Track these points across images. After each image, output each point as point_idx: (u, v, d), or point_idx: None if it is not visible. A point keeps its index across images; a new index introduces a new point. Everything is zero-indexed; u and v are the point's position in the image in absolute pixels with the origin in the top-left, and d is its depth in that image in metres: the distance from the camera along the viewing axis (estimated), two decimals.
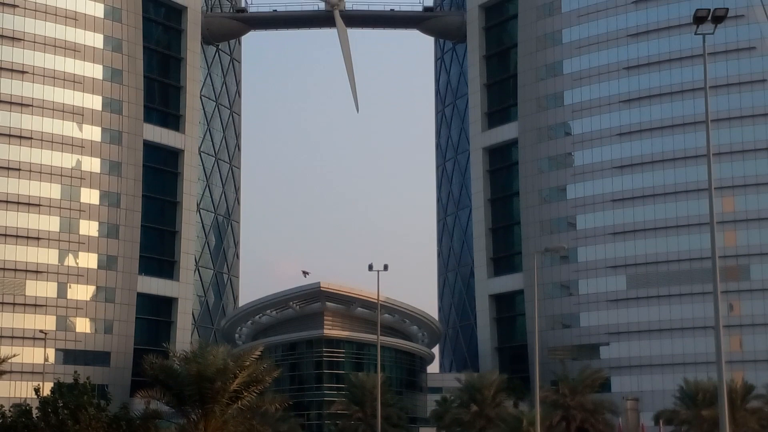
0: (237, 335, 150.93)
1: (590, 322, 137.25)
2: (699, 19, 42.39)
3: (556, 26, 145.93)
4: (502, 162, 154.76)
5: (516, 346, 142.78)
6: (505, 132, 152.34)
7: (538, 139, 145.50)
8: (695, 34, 43.15)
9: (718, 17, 42.16)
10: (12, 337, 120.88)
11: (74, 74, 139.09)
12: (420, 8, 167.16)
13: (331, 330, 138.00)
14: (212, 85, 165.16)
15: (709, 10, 41.64)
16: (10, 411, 65.05)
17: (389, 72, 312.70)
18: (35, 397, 71.68)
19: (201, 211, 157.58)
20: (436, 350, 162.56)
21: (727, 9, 43.02)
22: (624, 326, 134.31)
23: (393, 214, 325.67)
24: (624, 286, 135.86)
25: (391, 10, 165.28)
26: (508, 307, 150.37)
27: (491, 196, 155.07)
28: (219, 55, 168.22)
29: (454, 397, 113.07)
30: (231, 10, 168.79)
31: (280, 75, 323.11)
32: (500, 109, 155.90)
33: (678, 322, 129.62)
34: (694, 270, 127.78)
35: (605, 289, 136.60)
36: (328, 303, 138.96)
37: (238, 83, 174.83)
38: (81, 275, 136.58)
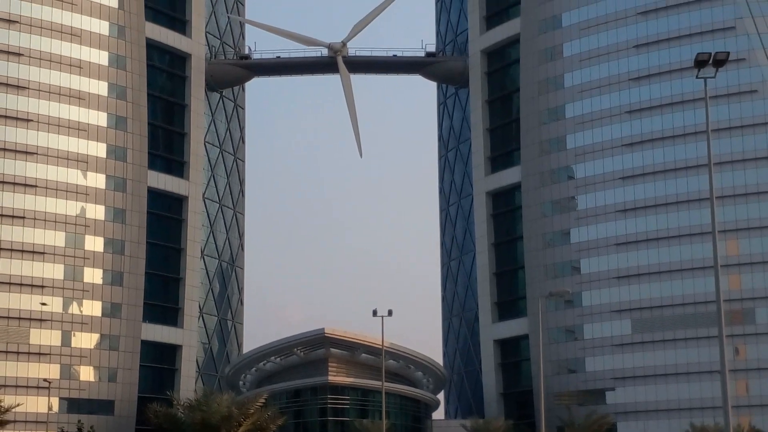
0: (241, 382, 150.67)
1: (596, 367, 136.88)
2: (700, 63, 42.66)
3: (558, 71, 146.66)
4: (506, 206, 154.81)
5: (521, 391, 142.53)
6: (509, 176, 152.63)
7: (542, 183, 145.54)
8: (697, 78, 43.30)
9: (719, 61, 42.45)
10: (16, 386, 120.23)
11: (79, 122, 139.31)
12: (422, 54, 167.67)
13: (336, 376, 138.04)
14: (216, 131, 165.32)
15: (711, 54, 41.93)
16: None
17: (392, 117, 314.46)
18: None
19: (205, 257, 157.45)
20: (441, 396, 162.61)
21: (728, 53, 43.28)
22: (630, 371, 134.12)
23: (397, 259, 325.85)
24: (629, 331, 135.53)
25: (394, 55, 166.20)
26: (513, 352, 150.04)
27: (495, 240, 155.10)
28: (223, 101, 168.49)
29: None
30: (235, 57, 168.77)
31: (283, 121, 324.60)
32: (503, 154, 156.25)
33: (684, 366, 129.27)
34: (698, 314, 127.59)
35: (610, 334, 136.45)
36: (332, 349, 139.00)
37: (242, 129, 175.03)
38: (85, 323, 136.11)
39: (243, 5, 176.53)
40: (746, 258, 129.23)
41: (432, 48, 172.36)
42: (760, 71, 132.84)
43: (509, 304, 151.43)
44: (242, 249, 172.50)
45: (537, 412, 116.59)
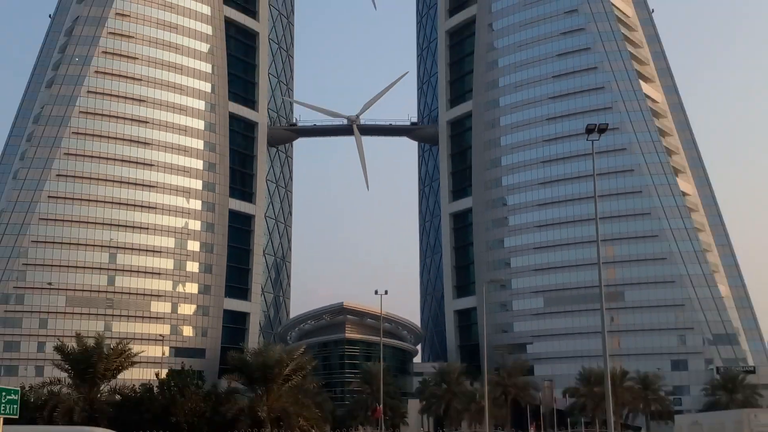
0: (288, 338, 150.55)
1: (520, 329, 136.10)
2: (589, 130, 43.09)
3: (497, 135, 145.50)
4: (462, 223, 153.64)
5: (472, 344, 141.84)
6: (464, 203, 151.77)
7: (485, 208, 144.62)
8: (587, 140, 43.54)
9: (602, 129, 42.92)
10: (141, 339, 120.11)
11: (185, 167, 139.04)
12: (408, 123, 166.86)
13: (350, 334, 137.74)
14: (274, 172, 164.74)
15: (596, 124, 42.33)
16: (138, 389, 65.39)
17: (389, 164, 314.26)
18: (155, 379, 71.87)
19: (265, 255, 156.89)
20: (419, 347, 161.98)
21: (607, 124, 43.64)
22: (543, 332, 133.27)
23: (392, 257, 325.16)
24: (542, 305, 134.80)
25: (390, 124, 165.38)
26: (466, 318, 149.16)
27: (455, 245, 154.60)
28: (278, 153, 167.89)
29: (431, 379, 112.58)
30: (287, 124, 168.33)
31: (318, 166, 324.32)
32: (461, 188, 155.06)
33: (578, 329, 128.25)
34: (588, 294, 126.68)
35: (530, 307, 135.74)
36: (348, 316, 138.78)
37: (290, 171, 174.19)
38: (187, 298, 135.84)
39: (292, 90, 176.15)
40: (618, 258, 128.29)
41: (415, 119, 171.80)
42: (628, 137, 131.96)
43: (464, 287, 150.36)
44: (290, 250, 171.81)
45: (482, 359, 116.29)
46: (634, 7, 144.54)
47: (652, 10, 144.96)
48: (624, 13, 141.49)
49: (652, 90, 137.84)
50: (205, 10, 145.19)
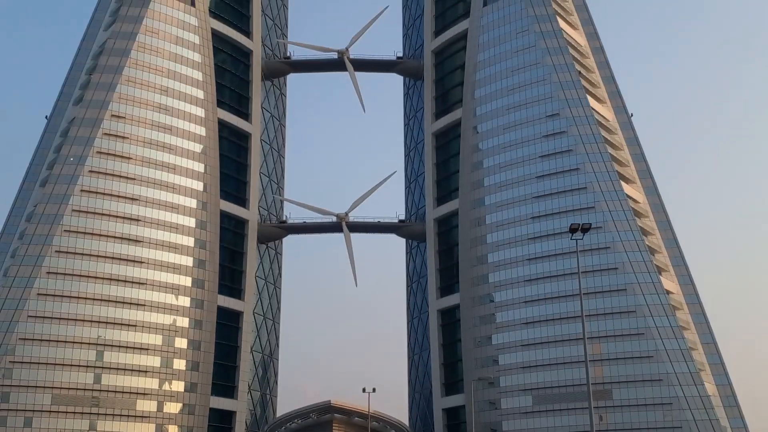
0: None
1: (509, 428, 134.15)
2: (573, 229, 45.24)
3: (483, 233, 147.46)
4: (450, 319, 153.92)
5: None
6: (451, 299, 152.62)
7: (473, 305, 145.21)
8: (571, 239, 45.33)
9: (585, 228, 45.16)
10: None
11: (175, 264, 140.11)
12: (396, 221, 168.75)
13: None
14: (263, 269, 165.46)
15: (579, 224, 44.48)
16: None
17: (377, 260, 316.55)
18: None
19: (253, 352, 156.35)
20: None
21: (590, 224, 45.75)
22: (532, 431, 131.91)
23: (380, 353, 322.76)
24: (531, 403, 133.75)
25: (378, 221, 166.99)
26: (455, 417, 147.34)
27: (443, 341, 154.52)
28: (268, 250, 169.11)
29: None
30: (277, 221, 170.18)
31: (307, 263, 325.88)
32: (448, 285, 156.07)
33: (568, 428, 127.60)
34: (576, 392, 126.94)
35: (519, 405, 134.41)
36: (335, 414, 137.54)
37: (279, 269, 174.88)
38: (173, 396, 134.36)
39: (283, 188, 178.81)
40: (605, 355, 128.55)
41: (402, 217, 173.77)
42: (611, 235, 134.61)
43: (453, 385, 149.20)
44: (278, 347, 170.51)
45: None
46: (614, 111, 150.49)
47: (631, 114, 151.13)
48: (604, 117, 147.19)
49: (633, 190, 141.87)
50: (199, 112, 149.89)
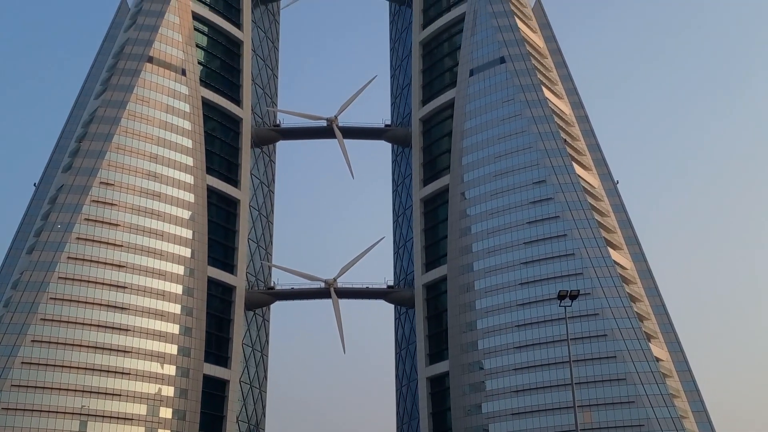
0: None
1: None
2: (562, 296, 45.82)
3: (472, 299, 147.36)
4: (439, 387, 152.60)
5: None
6: (441, 367, 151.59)
7: (462, 372, 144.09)
8: (559, 306, 45.71)
9: (573, 295, 45.76)
10: None
11: (161, 331, 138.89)
12: (385, 286, 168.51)
13: None
14: (250, 336, 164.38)
15: (568, 290, 45.10)
16: None
17: (365, 327, 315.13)
18: None
19: (239, 422, 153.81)
20: None
21: (579, 290, 46.33)
22: None
23: (370, 421, 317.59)
24: None
25: (366, 287, 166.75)
26: None
27: (432, 410, 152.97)
28: (255, 317, 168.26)
29: None
30: (264, 287, 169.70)
31: (295, 330, 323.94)
32: (437, 352, 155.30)
33: None
34: None
35: None
36: None
37: (267, 335, 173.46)
38: None
39: (271, 254, 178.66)
40: (596, 425, 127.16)
41: (391, 282, 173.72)
42: (599, 302, 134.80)
43: None
44: (264, 416, 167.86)
45: None
46: (600, 178, 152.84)
47: (617, 182, 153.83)
48: (590, 184, 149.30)
49: (621, 257, 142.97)
50: (189, 179, 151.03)
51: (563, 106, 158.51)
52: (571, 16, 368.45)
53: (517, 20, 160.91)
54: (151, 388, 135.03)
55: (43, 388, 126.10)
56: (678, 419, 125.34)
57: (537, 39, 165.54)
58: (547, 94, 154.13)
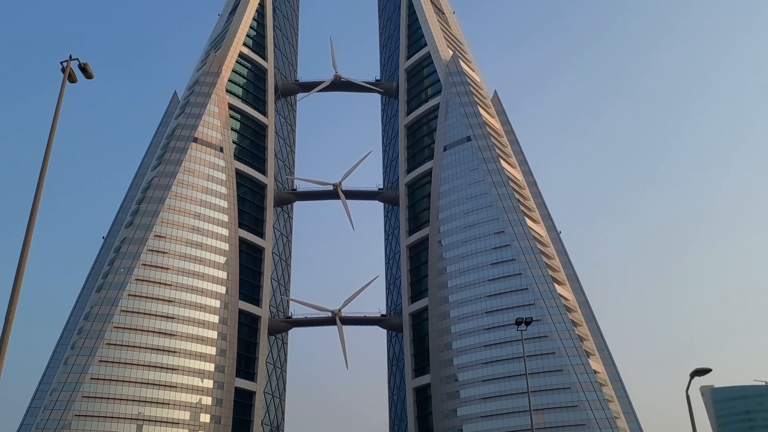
0: None
1: None
2: (519, 322, 46.92)
3: (448, 324, 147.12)
4: (423, 395, 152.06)
5: None
6: (424, 379, 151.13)
7: (441, 383, 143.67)
8: (517, 330, 47.34)
9: (528, 321, 47.13)
10: None
11: (201, 353, 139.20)
12: (379, 315, 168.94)
13: None
14: (272, 356, 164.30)
15: (524, 317, 46.34)
16: None
17: (364, 347, 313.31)
18: None
19: (263, 425, 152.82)
20: None
21: (532, 317, 47.72)
22: None
23: (365, 425, 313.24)
24: None
25: (365, 316, 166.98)
26: None
27: (417, 414, 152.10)
28: (276, 340, 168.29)
29: None
30: (284, 317, 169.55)
31: (308, 352, 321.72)
32: (421, 367, 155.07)
33: None
34: None
35: None
36: None
37: (286, 355, 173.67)
38: None
39: (289, 290, 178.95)
40: (548, 424, 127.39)
41: (384, 311, 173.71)
42: (548, 326, 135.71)
43: None
44: (283, 420, 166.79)
45: None
46: (546, 229, 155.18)
47: (559, 232, 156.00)
48: (539, 234, 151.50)
49: (564, 290, 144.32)
50: (224, 232, 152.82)
51: (516, 173, 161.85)
52: (521, 104, 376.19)
53: (480, 108, 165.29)
54: (193, 398, 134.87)
55: (108, 398, 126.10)
56: (612, 419, 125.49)
57: (495, 122, 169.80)
58: (504, 164, 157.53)
